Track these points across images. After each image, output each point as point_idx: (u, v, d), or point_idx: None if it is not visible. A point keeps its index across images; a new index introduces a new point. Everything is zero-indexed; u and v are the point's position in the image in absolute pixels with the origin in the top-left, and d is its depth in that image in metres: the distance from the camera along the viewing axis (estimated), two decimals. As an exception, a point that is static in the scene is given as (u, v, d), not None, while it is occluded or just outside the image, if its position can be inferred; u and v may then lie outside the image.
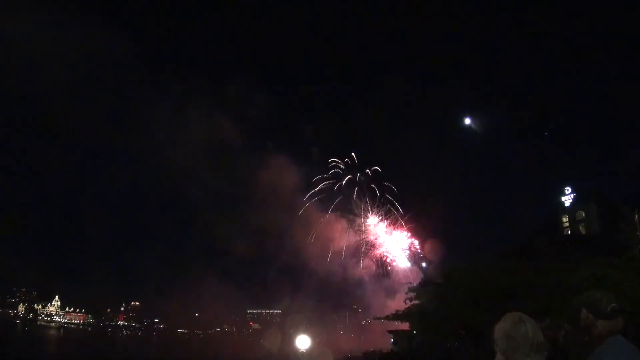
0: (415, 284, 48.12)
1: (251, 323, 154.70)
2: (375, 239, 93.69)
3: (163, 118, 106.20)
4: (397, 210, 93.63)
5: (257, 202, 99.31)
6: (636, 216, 55.41)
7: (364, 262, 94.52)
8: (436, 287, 38.43)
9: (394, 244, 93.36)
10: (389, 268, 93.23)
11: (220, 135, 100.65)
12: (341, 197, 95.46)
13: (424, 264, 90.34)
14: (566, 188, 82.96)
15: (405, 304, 44.22)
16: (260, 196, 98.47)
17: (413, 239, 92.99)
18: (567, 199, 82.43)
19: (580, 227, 76.30)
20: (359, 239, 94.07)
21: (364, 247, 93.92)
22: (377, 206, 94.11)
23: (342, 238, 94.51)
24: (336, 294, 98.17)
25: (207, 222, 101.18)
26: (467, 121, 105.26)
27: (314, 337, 23.53)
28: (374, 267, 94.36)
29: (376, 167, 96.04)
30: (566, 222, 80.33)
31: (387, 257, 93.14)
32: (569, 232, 77.79)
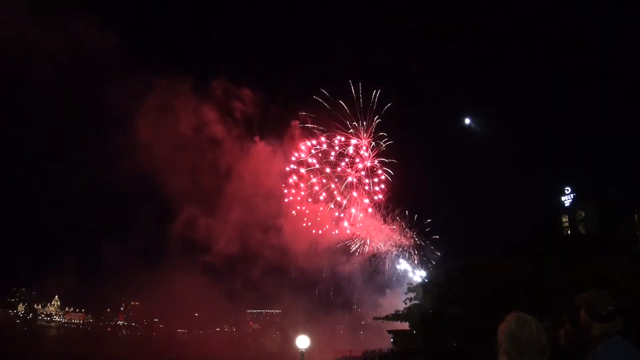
0: (414, 284, 48.16)
1: (250, 323, 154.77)
2: (367, 233, 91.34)
3: (142, 109, 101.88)
4: (394, 205, 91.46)
5: (241, 196, 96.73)
6: (636, 216, 55.51)
7: (355, 258, 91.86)
8: (436, 286, 38.47)
9: (387, 239, 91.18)
10: (383, 265, 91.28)
11: (203, 127, 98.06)
12: (331, 189, 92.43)
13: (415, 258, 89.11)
14: (566, 188, 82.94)
15: (405, 303, 44.22)
16: (244, 190, 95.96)
17: (409, 236, 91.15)
18: (567, 199, 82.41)
19: (580, 227, 76.23)
20: (349, 233, 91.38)
21: (355, 242, 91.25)
22: (371, 200, 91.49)
23: (331, 232, 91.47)
24: (326, 292, 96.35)
25: (189, 217, 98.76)
26: (467, 121, 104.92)
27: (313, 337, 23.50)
28: (366, 264, 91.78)
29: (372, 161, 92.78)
30: (566, 222, 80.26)
31: (378, 253, 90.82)
32: (569, 232, 77.77)
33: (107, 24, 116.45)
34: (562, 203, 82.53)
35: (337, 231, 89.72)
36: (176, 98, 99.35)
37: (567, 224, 79.72)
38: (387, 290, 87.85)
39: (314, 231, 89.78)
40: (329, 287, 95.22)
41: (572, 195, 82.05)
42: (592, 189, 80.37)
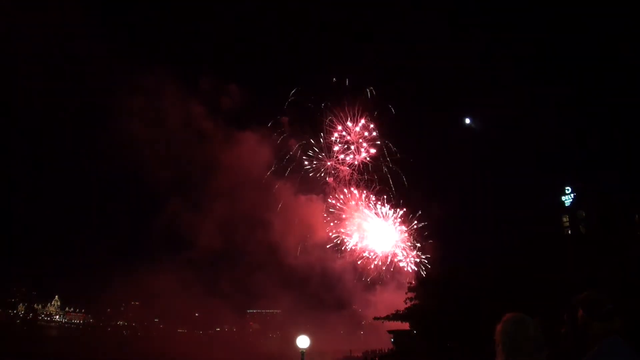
0: (414, 284, 48.22)
1: (251, 323, 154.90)
2: (360, 228, 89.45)
3: (128, 102, 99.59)
4: (390, 200, 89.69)
5: (226, 190, 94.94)
6: (636, 216, 55.58)
7: (347, 255, 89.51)
8: (436, 287, 38.56)
9: (382, 236, 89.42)
10: (379, 263, 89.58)
11: (189, 120, 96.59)
12: (323, 179, 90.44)
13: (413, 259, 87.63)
14: (566, 188, 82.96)
15: (405, 303, 44.34)
16: (229, 183, 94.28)
17: (407, 234, 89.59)
18: (567, 199, 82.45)
19: (581, 227, 76.29)
20: (340, 227, 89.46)
21: (344, 238, 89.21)
22: (366, 194, 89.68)
23: (320, 225, 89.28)
24: (322, 291, 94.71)
25: (173, 212, 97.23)
26: (467, 120, 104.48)
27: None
28: (357, 261, 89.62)
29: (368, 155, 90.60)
30: (566, 222, 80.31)
31: (372, 252, 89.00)
32: (569, 232, 77.82)
33: (92, 18, 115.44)
34: (562, 203, 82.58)
35: (329, 230, 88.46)
36: (161, 90, 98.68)
37: (567, 224, 79.77)
38: (378, 287, 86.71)
39: (306, 228, 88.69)
40: (324, 285, 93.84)
41: (572, 195, 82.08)
42: (592, 189, 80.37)
